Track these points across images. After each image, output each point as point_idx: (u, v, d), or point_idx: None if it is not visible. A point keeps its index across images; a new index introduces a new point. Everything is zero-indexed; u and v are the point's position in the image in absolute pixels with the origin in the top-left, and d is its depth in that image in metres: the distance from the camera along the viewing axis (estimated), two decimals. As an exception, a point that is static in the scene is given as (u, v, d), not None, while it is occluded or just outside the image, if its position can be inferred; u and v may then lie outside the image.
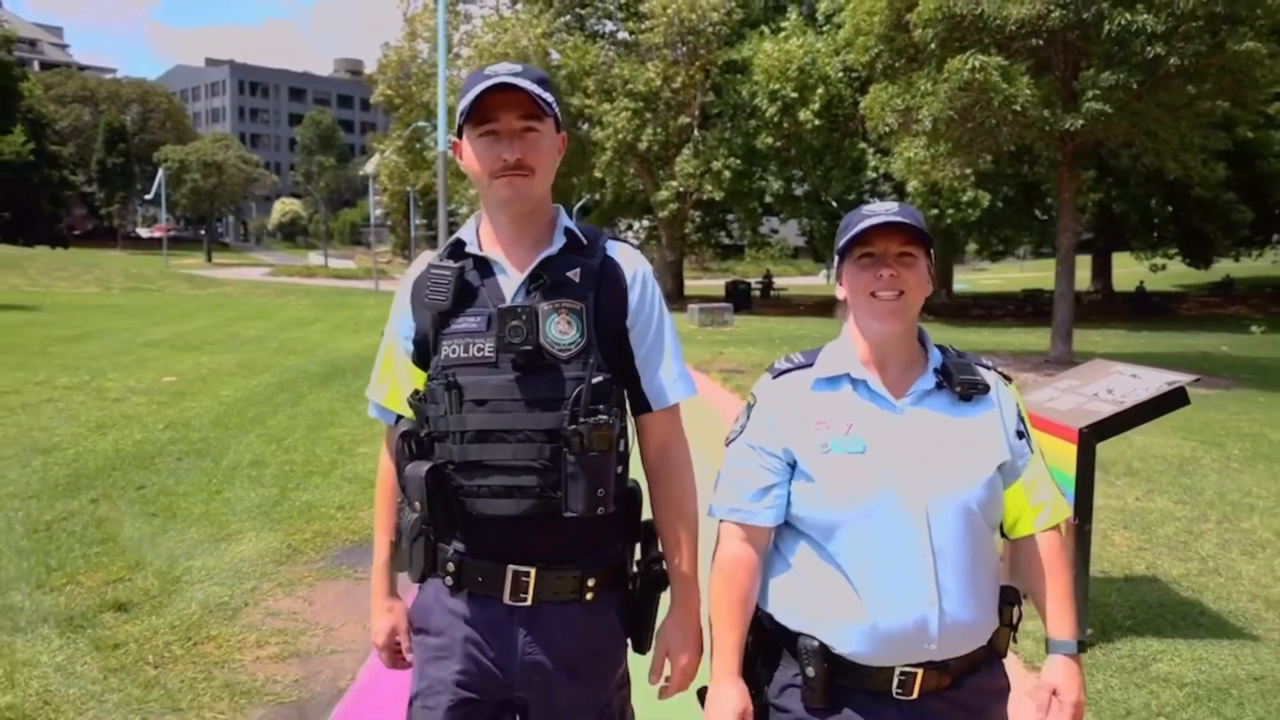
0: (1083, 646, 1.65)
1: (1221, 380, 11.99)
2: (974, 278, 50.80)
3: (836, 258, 1.62)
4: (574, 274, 1.57)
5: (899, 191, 22.65)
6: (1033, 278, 41.14)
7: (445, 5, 17.32)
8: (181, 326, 17.24)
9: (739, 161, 26.72)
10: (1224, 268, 33.84)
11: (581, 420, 1.48)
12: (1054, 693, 1.59)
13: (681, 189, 27.69)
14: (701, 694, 1.61)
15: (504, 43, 26.78)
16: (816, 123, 24.78)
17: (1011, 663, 1.65)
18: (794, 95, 24.63)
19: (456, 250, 1.62)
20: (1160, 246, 30.66)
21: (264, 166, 76.53)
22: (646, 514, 1.69)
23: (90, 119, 68.12)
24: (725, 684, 1.55)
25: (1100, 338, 18.47)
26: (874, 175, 25.13)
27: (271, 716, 3.02)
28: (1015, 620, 1.61)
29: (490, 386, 1.52)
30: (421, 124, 30.73)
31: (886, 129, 14.52)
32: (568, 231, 1.61)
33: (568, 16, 31.31)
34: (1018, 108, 12.12)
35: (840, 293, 1.63)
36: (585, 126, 28.04)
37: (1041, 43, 12.41)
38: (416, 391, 1.60)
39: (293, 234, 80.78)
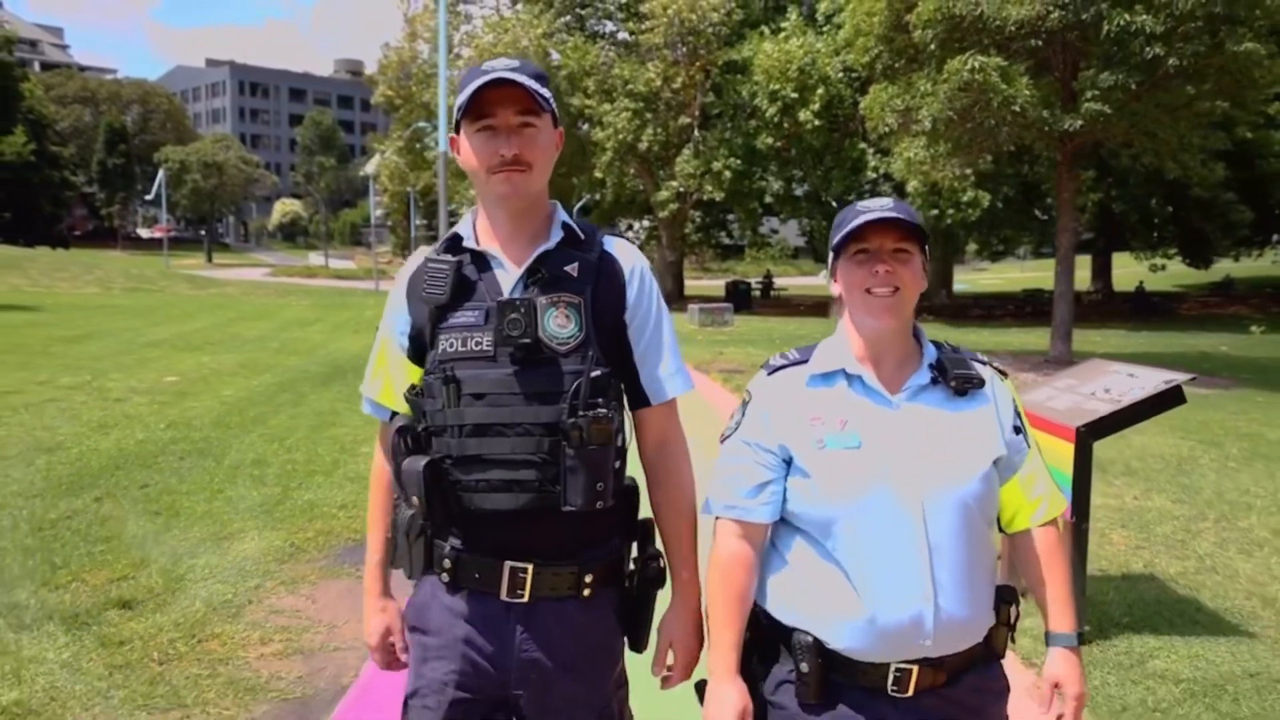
0: (1082, 639, 1.67)
1: (1221, 380, 12.01)
2: (974, 278, 50.80)
3: (831, 254, 1.62)
4: (572, 268, 1.57)
5: (899, 191, 22.63)
6: (1033, 278, 41.14)
7: (446, 6, 17.34)
8: (182, 327, 17.27)
9: (739, 162, 26.74)
10: (1224, 268, 33.84)
11: (580, 414, 1.48)
12: (1055, 685, 1.61)
13: (682, 189, 27.71)
14: (700, 687, 1.61)
15: (504, 43, 26.79)
16: (816, 123, 24.79)
17: (1009, 660, 1.66)
18: (794, 95, 24.64)
19: (454, 245, 1.62)
20: (1160, 246, 30.65)
21: (264, 167, 76.58)
22: (643, 513, 1.70)
23: (91, 120, 68.17)
24: (725, 682, 1.55)
25: (1100, 338, 18.49)
26: (874, 175, 25.13)
27: (275, 713, 3.05)
28: (1013, 619, 1.61)
29: (489, 380, 1.52)
30: (422, 124, 30.75)
31: (886, 129, 14.54)
32: (565, 226, 1.62)
33: (568, 17, 31.33)
34: (1017, 108, 12.14)
35: (835, 289, 1.63)
36: (585, 127, 28.06)
37: (1041, 43, 12.43)
38: (413, 386, 1.60)
39: (293, 234, 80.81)
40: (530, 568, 1.54)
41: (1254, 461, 6.96)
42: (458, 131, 1.59)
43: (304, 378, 10.61)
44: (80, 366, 10.97)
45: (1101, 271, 34.19)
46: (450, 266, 1.57)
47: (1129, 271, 35.94)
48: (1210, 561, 4.63)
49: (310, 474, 6.17)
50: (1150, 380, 3.57)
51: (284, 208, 79.25)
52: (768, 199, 28.91)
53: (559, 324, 1.52)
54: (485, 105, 1.53)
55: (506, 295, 1.55)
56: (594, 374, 1.51)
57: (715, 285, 38.18)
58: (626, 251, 1.65)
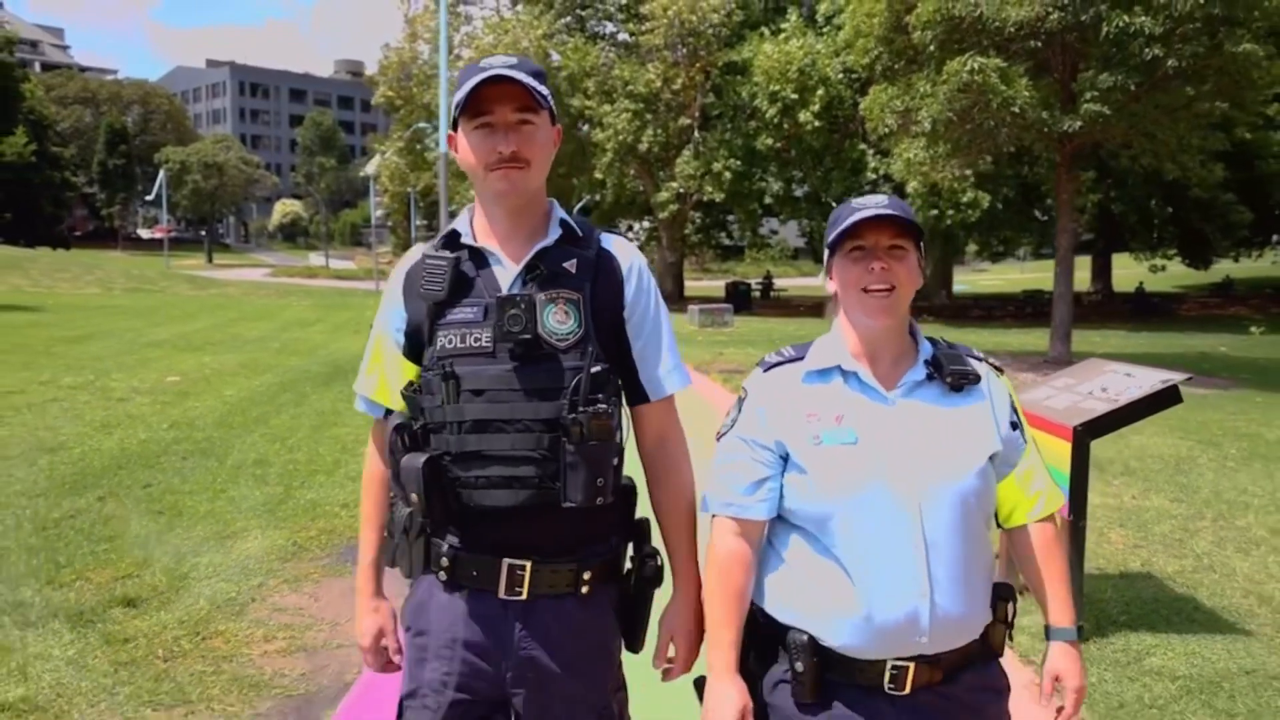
0: (1081, 635, 1.66)
1: (1220, 380, 12.03)
2: (974, 278, 50.82)
3: (827, 251, 1.61)
4: (570, 265, 1.57)
5: (899, 192, 22.64)
6: (1033, 278, 41.16)
7: (446, 6, 17.37)
8: (184, 327, 17.30)
9: (739, 163, 26.78)
10: (1224, 268, 33.85)
11: (580, 409, 1.48)
12: (1055, 679, 1.61)
13: (682, 190, 27.75)
14: (698, 684, 1.61)
15: (504, 44, 26.82)
16: (816, 124, 24.83)
17: (1007, 658, 1.66)
18: (794, 96, 24.68)
19: (451, 241, 1.61)
20: (1160, 247, 30.67)
21: (265, 168, 76.61)
22: (640, 513, 1.70)
23: (91, 120, 68.21)
24: (725, 681, 1.54)
25: (1100, 338, 18.51)
26: (874, 176, 25.16)
27: (280, 709, 3.08)
28: (1010, 617, 1.61)
29: (488, 376, 1.51)
30: (422, 125, 30.79)
31: (886, 130, 14.57)
32: (563, 223, 1.62)
33: (568, 18, 31.38)
34: (1016, 109, 12.18)
35: (831, 287, 1.62)
36: (586, 128, 28.10)
37: (1040, 44, 12.47)
38: (411, 383, 1.59)
39: (293, 235, 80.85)
40: (528, 565, 1.53)
41: (1252, 461, 6.99)
42: (455, 129, 1.59)
43: (305, 378, 10.64)
44: (82, 366, 11.00)
45: (1101, 272, 34.21)
46: (448, 263, 1.56)
47: (1129, 272, 35.97)
48: (1208, 560, 4.66)
49: (312, 473, 6.20)
50: (1147, 380, 3.60)
51: (284, 208, 79.29)
52: (767, 200, 28.95)
53: (558, 320, 1.52)
54: (483, 102, 1.53)
55: (505, 291, 1.54)
56: (594, 370, 1.51)
57: (715, 286, 38.21)
58: (624, 249, 1.65)
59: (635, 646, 1.69)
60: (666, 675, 1.69)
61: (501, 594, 1.54)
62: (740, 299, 28.21)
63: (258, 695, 3.14)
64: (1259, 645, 3.63)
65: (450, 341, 1.53)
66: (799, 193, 28.61)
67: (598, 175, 28.19)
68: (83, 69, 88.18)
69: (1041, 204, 27.53)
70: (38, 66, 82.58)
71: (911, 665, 1.49)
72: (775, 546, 1.61)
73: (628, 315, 1.61)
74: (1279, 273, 36.22)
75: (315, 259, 59.88)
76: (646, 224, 35.58)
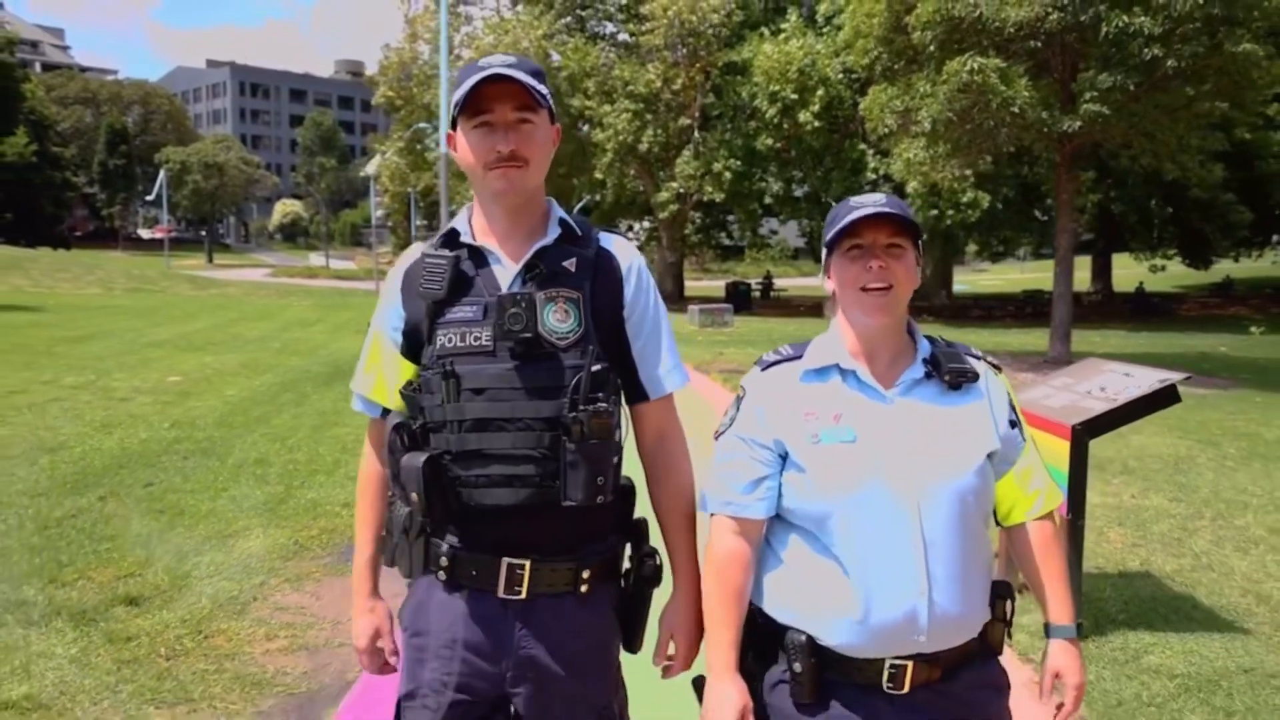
0: (1080, 632, 1.66)
1: (1219, 380, 12.05)
2: (974, 279, 50.82)
3: (825, 250, 1.61)
4: (570, 264, 1.57)
5: (899, 192, 22.68)
6: (1033, 279, 41.16)
7: (447, 7, 17.38)
8: (185, 327, 17.32)
9: (739, 163, 26.79)
10: (1224, 268, 33.86)
11: (581, 408, 1.48)
12: (1056, 676, 1.62)
13: (682, 190, 27.77)
14: (697, 684, 1.61)
15: (505, 44, 26.83)
16: (816, 124, 24.86)
17: (1005, 656, 1.66)
18: (794, 97, 24.71)
19: (450, 240, 1.61)
20: (1160, 247, 30.69)
21: (265, 168, 76.63)
22: (639, 512, 1.70)
23: (92, 120, 68.25)
24: (725, 680, 1.54)
25: (1100, 338, 18.52)
26: (874, 176, 25.18)
27: (282, 707, 3.09)
28: (1009, 615, 1.61)
29: (488, 375, 1.51)
30: (422, 125, 30.81)
31: (886, 130, 14.59)
32: (562, 222, 1.62)
33: (568, 18, 31.40)
34: (1016, 109, 12.19)
35: (829, 286, 1.62)
36: (586, 128, 28.12)
37: (1040, 45, 12.50)
38: (410, 382, 1.59)
39: (293, 235, 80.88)
40: (527, 564, 1.53)
41: (1251, 461, 7.00)
42: (454, 128, 1.59)
43: (306, 378, 10.65)
44: (84, 366, 11.02)
45: (1101, 272, 34.22)
46: (448, 262, 1.56)
47: (1129, 272, 35.98)
48: (1206, 559, 4.67)
49: (313, 473, 6.21)
50: (1145, 379, 3.61)
51: (284, 208, 79.32)
52: (767, 200, 28.97)
53: (558, 319, 1.52)
54: (482, 101, 1.53)
55: (505, 290, 1.54)
56: (594, 368, 1.51)
57: (715, 286, 38.22)
58: (623, 248, 1.66)
59: (633, 647, 1.69)
60: (666, 673, 1.69)
61: (500, 593, 1.54)
62: (740, 299, 28.21)
63: (260, 693, 3.16)
64: (1257, 644, 3.64)
65: (450, 340, 1.53)
66: (799, 193, 28.64)
67: (598, 175, 28.21)
68: (83, 69, 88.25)
69: (1041, 204, 27.55)
70: (38, 67, 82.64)
71: (910, 664, 1.49)
72: (773, 546, 1.60)
73: (627, 314, 1.61)
74: (1279, 273, 36.22)
75: (315, 259, 59.89)
76: (646, 224, 35.59)
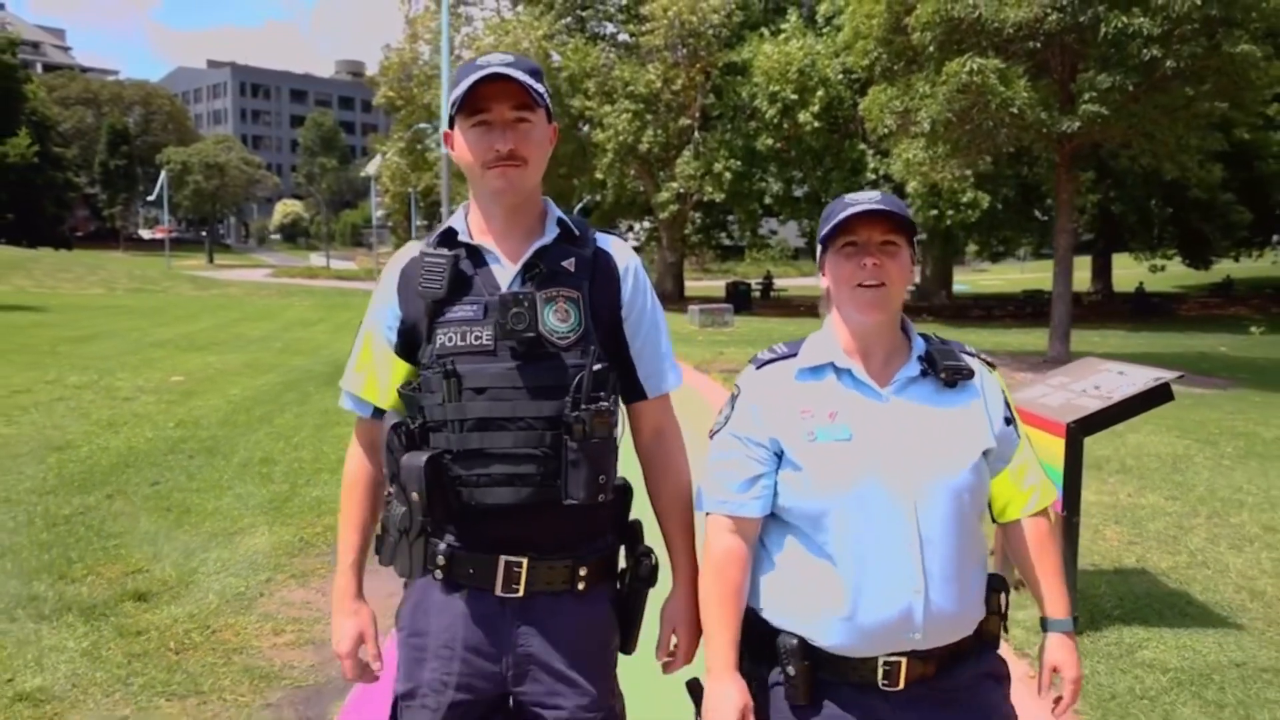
0: (1076, 624, 1.68)
1: (1218, 380, 12.09)
2: (974, 278, 50.83)
3: (819, 246, 1.61)
4: (569, 264, 1.58)
5: (899, 192, 22.72)
6: (1033, 279, 41.16)
7: (448, 7, 17.43)
8: (187, 327, 17.37)
9: (739, 163, 26.82)
10: (1224, 268, 33.87)
11: (584, 407, 1.49)
12: (1054, 670, 1.63)
13: (682, 190, 27.79)
14: (691, 686, 1.60)
15: (505, 44, 26.85)
16: (816, 124, 24.88)
17: (1001, 649, 1.67)
18: (794, 97, 24.73)
19: (448, 239, 1.60)
20: (1159, 247, 30.72)
21: (265, 168, 76.60)
22: (635, 513, 1.71)
23: (93, 121, 68.27)
24: (724, 680, 1.53)
25: (1099, 338, 18.56)
26: (874, 177, 25.19)
27: (289, 699, 3.14)
28: (1004, 607, 1.61)
29: (490, 374, 1.51)
30: (423, 126, 30.86)
31: (886, 131, 14.63)
32: (560, 222, 1.62)
33: (569, 19, 31.41)
34: (1015, 110, 12.23)
35: (824, 283, 1.62)
36: (586, 128, 28.15)
37: (1039, 45, 12.53)
38: (409, 381, 1.59)
39: (294, 235, 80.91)
40: (525, 561, 1.54)
41: (1248, 460, 7.04)
42: (452, 127, 1.59)
43: (308, 377, 10.71)
44: (88, 366, 11.07)
45: (1101, 272, 34.24)
46: (447, 260, 1.55)
47: (1129, 272, 36.00)
48: (1201, 556, 4.72)
49: (317, 471, 6.27)
50: (1140, 378, 3.66)
51: (285, 209, 79.37)
52: (767, 200, 28.98)
53: (559, 318, 1.53)
54: (480, 100, 1.53)
55: (505, 290, 1.55)
56: (595, 368, 1.52)
57: (715, 286, 38.24)
58: (620, 249, 1.67)
59: (629, 647, 1.69)
60: (667, 668, 1.70)
61: (498, 591, 1.54)
62: (740, 299, 28.23)
63: (268, 686, 3.21)
64: (1249, 639, 3.69)
65: (450, 340, 1.53)
66: (799, 193, 28.65)
67: (598, 176, 28.22)
68: (84, 70, 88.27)
69: (1041, 204, 27.57)
70: (39, 67, 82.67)
71: (904, 660, 1.49)
72: (767, 548, 1.60)
73: (625, 314, 1.62)
74: (1279, 273, 36.24)
75: (316, 259, 59.87)
76: (647, 224, 35.61)
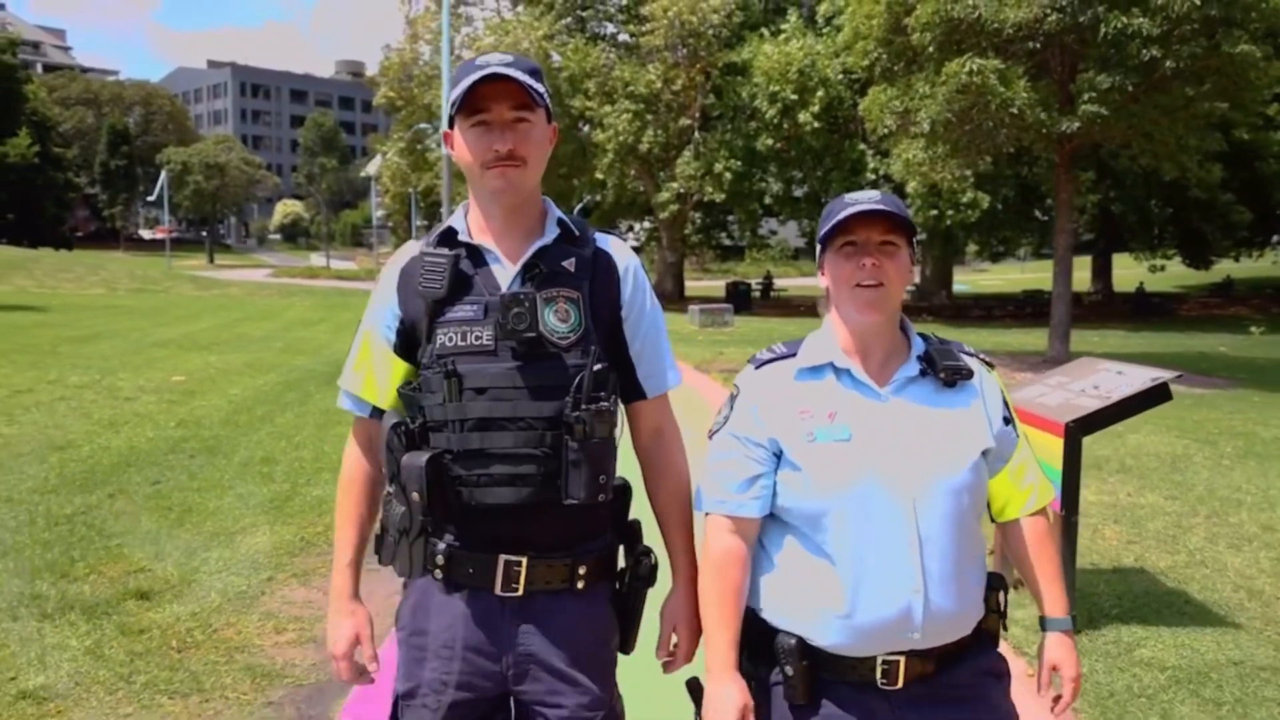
0: (1074, 623, 1.68)
1: (1218, 380, 12.10)
2: (974, 278, 50.83)
3: (819, 246, 1.61)
4: (569, 264, 1.58)
5: (898, 192, 22.74)
6: (1033, 279, 41.16)
7: (448, 8, 17.45)
8: (188, 327, 17.38)
9: (739, 163, 26.83)
10: (1224, 268, 33.88)
11: (584, 407, 1.49)
12: (1053, 668, 1.64)
13: (682, 190, 27.81)
14: (691, 686, 1.61)
15: (505, 45, 26.86)
16: (816, 125, 24.90)
17: (1000, 648, 1.68)
18: (794, 97, 24.75)
19: (448, 238, 1.60)
20: (1159, 248, 30.73)
21: (266, 168, 76.61)
22: (633, 514, 1.71)
23: (93, 121, 68.29)
24: (724, 680, 1.53)
25: (1099, 338, 18.57)
26: (874, 177, 25.20)
27: (291, 698, 3.16)
28: (1002, 605, 1.62)
29: (490, 374, 1.52)
30: (423, 126, 30.88)
31: (885, 131, 14.64)
32: (560, 222, 1.62)
33: (569, 19, 31.43)
34: (1015, 110, 12.25)
35: (823, 282, 1.63)
36: (586, 129, 28.17)
37: (1038, 46, 12.55)
38: (409, 381, 1.59)
39: (294, 235, 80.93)
40: (524, 560, 1.54)
41: (1247, 460, 7.05)
42: (451, 127, 1.59)
43: (309, 377, 10.72)
44: (89, 366, 11.08)
45: (1101, 272, 34.24)
46: (447, 260, 1.55)
47: (1129, 272, 36.01)
48: (1199, 556, 4.73)
49: (318, 470, 6.28)
50: (1138, 378, 3.68)
51: (285, 209, 79.39)
52: (767, 200, 29.00)
53: (559, 318, 1.53)
54: (479, 100, 1.53)
55: (505, 290, 1.55)
56: (596, 368, 1.52)
57: (715, 286, 38.24)
58: (620, 249, 1.67)
59: (628, 647, 1.69)
60: (668, 667, 1.70)
61: (498, 590, 1.55)
62: (740, 299, 28.24)
63: (270, 684, 3.23)
64: (1247, 637, 3.71)
65: (450, 339, 1.53)
66: (799, 193, 28.67)
67: (598, 176, 28.24)
68: (85, 70, 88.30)
69: (1041, 204, 27.58)
70: (40, 68, 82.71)
71: (902, 659, 1.49)
72: (766, 548, 1.61)
73: (625, 314, 1.63)
74: (1279, 273, 36.25)
75: (316, 259, 59.88)
76: (647, 224, 35.62)
